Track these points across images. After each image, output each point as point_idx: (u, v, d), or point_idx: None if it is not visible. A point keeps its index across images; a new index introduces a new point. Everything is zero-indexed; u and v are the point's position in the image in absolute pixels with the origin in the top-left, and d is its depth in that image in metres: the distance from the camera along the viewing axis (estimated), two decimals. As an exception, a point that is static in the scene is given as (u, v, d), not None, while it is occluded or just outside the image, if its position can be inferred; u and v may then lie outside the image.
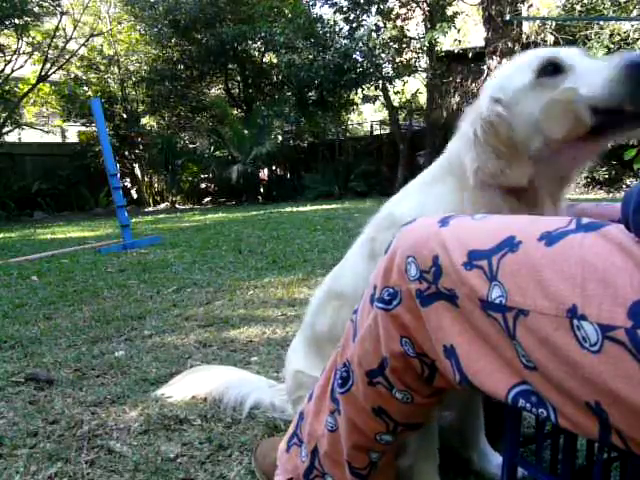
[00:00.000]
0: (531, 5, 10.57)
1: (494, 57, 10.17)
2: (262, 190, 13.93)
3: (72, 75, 13.71)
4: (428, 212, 0.97)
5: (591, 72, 0.88)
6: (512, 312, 0.63)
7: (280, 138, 13.85)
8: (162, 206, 13.77)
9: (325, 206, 9.41)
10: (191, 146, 14.97)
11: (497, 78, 1.00)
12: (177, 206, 13.71)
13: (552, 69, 0.90)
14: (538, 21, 9.70)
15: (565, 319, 0.59)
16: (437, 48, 11.56)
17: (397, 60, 11.80)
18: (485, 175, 0.94)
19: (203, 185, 15.03)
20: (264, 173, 14.35)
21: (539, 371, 0.62)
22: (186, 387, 1.66)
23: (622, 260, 0.57)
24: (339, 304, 1.17)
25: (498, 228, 0.71)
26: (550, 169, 0.95)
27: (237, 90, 15.11)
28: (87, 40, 13.42)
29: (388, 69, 12.03)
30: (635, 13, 8.69)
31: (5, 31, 11.74)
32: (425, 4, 11.41)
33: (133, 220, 7.19)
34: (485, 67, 10.36)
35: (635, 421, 0.55)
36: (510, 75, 0.96)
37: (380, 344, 0.81)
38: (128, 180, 14.47)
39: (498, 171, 0.93)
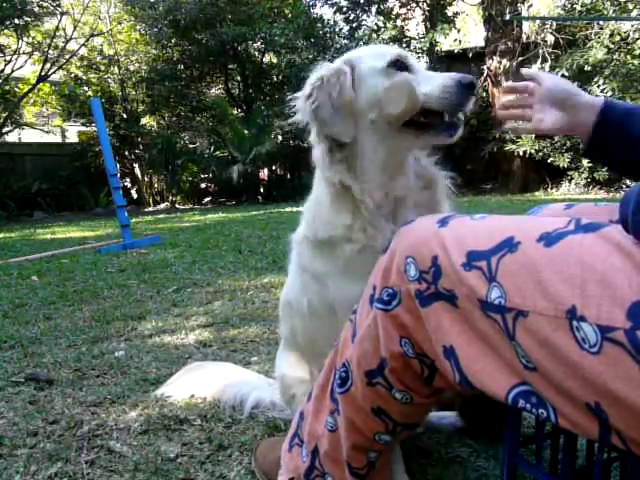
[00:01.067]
0: (531, 5, 10.57)
1: (494, 57, 10.18)
2: (262, 190, 13.92)
3: (72, 75, 13.70)
4: (306, 221, 1.14)
5: (430, 77, 1.04)
6: (511, 313, 0.63)
7: (280, 138, 13.85)
8: (162, 206, 13.76)
9: (325, 206, 9.38)
10: (191, 146, 14.96)
11: (349, 56, 1.14)
12: (177, 206, 13.70)
13: (400, 65, 1.07)
14: (538, 21, 9.70)
15: (564, 320, 0.59)
16: (437, 48, 11.55)
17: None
18: (321, 122, 1.07)
19: (203, 185, 15.03)
20: (264, 173, 14.35)
21: (539, 372, 0.62)
22: (186, 386, 1.66)
23: (621, 261, 0.57)
24: (291, 313, 1.25)
25: (497, 228, 0.71)
26: (380, 147, 1.06)
27: (237, 90, 15.11)
28: (87, 40, 13.42)
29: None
30: (635, 13, 8.68)
31: (5, 31, 11.73)
32: (425, 4, 11.41)
33: (133, 220, 7.19)
34: (485, 67, 10.37)
35: (635, 422, 0.55)
36: (366, 56, 1.11)
37: (379, 344, 0.81)
38: (128, 180, 14.46)
39: (332, 120, 1.05)
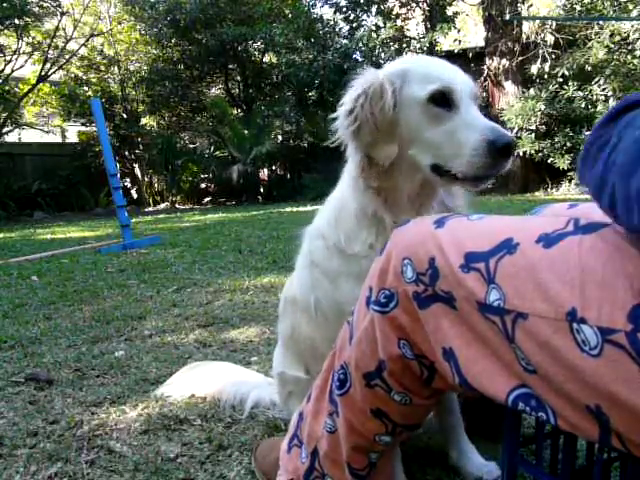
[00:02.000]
0: (531, 5, 10.56)
1: (494, 57, 10.18)
2: (262, 190, 13.92)
3: (72, 75, 13.71)
4: (332, 219, 1.11)
5: (466, 128, 0.95)
6: (511, 315, 0.63)
7: (280, 138, 13.85)
8: (162, 206, 13.76)
9: (325, 206, 9.39)
10: (191, 146, 14.96)
11: (405, 66, 1.05)
12: (177, 206, 13.70)
13: (442, 99, 0.98)
14: (538, 21, 9.69)
15: (564, 322, 0.58)
16: (437, 48, 11.55)
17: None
18: (361, 144, 1.02)
19: (203, 185, 15.03)
20: (264, 173, 14.35)
21: (539, 374, 0.62)
22: (186, 386, 1.66)
23: (621, 263, 0.57)
24: (293, 309, 1.25)
25: (495, 229, 0.71)
26: (416, 178, 1.03)
27: (237, 90, 15.10)
28: (87, 40, 13.43)
29: (388, 69, 12.01)
30: (635, 13, 8.68)
31: (5, 31, 11.73)
32: (425, 4, 11.40)
33: (133, 220, 7.18)
34: (485, 67, 10.37)
35: (636, 424, 0.55)
36: (414, 76, 1.02)
37: (377, 347, 0.81)
38: (128, 180, 14.47)
39: (371, 140, 1.00)
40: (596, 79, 8.74)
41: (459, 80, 1.01)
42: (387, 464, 0.97)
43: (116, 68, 14.00)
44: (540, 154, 9.34)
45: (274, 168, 14.47)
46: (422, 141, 0.99)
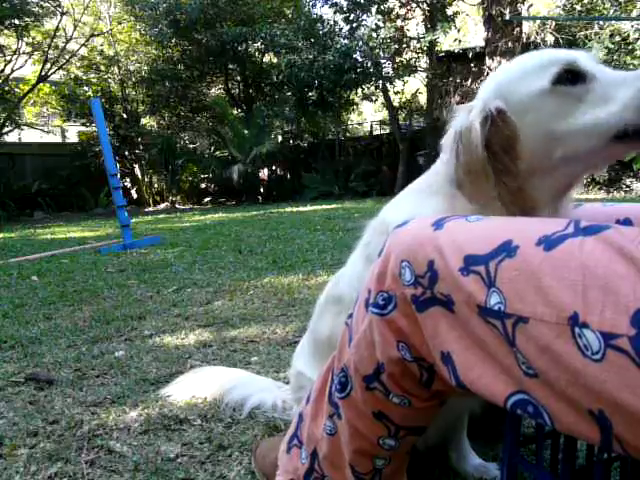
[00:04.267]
0: (531, 5, 10.57)
1: (494, 57, 10.18)
2: (262, 190, 13.93)
3: (72, 75, 13.72)
4: (399, 218, 0.92)
5: (617, 85, 0.82)
6: (511, 319, 0.62)
7: (280, 138, 13.87)
8: (162, 206, 13.77)
9: (325, 206, 9.41)
10: (191, 146, 14.98)
11: (496, 81, 0.92)
12: (177, 206, 13.71)
13: (571, 77, 0.84)
14: (538, 21, 9.70)
15: (566, 327, 0.58)
16: (437, 48, 11.55)
17: (397, 60, 11.80)
18: (459, 186, 0.91)
19: (203, 185, 15.04)
20: (264, 173, 14.35)
21: (540, 378, 0.61)
22: (190, 387, 1.66)
23: (624, 267, 0.56)
24: (337, 309, 1.16)
25: (494, 231, 0.70)
26: (556, 179, 0.90)
27: (237, 90, 15.12)
28: (87, 40, 13.44)
29: (388, 69, 12.03)
30: (635, 13, 8.68)
31: (5, 31, 11.74)
32: (425, 4, 11.41)
33: (133, 220, 7.19)
34: (485, 67, 10.37)
35: (638, 429, 0.55)
36: (515, 80, 0.89)
37: (375, 349, 0.80)
38: (128, 180, 14.48)
39: (462, 183, 0.90)
40: (596, 79, 8.73)
41: (574, 53, 0.88)
42: (395, 476, 0.96)
43: (116, 68, 14.02)
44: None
45: (274, 168, 14.49)
46: (569, 131, 0.84)
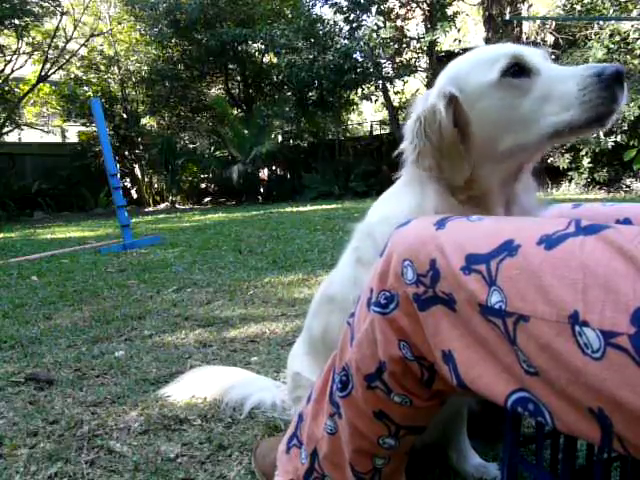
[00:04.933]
0: (531, 5, 10.57)
1: (494, 57, 10.17)
2: (262, 190, 13.93)
3: (72, 75, 13.72)
4: (393, 222, 0.93)
5: (558, 80, 0.85)
6: (512, 317, 0.63)
7: (280, 138, 13.86)
8: (162, 206, 13.77)
9: (325, 206, 9.42)
10: (191, 146, 14.98)
11: (452, 70, 0.96)
12: (177, 206, 13.71)
13: (517, 70, 0.87)
14: (538, 21, 9.70)
15: (566, 325, 0.58)
16: (437, 48, 11.55)
17: (397, 60, 11.81)
18: (423, 168, 0.94)
19: (203, 185, 15.04)
20: (264, 173, 14.36)
21: (540, 377, 0.62)
22: (190, 387, 1.66)
23: (623, 266, 0.57)
24: (330, 309, 1.18)
25: (495, 231, 0.70)
26: (503, 167, 0.93)
27: (237, 90, 15.12)
28: (87, 40, 13.44)
29: (388, 69, 12.03)
30: (635, 13, 8.69)
31: (5, 31, 11.74)
32: (425, 4, 11.41)
33: (133, 220, 7.19)
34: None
35: (638, 428, 0.55)
36: (469, 69, 0.92)
37: (377, 348, 0.80)
38: (128, 180, 14.48)
39: (435, 165, 0.92)
40: (596, 79, 8.73)
41: (522, 47, 0.91)
42: (394, 475, 0.96)
43: (116, 68, 14.02)
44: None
45: (274, 168, 14.49)
46: (515, 122, 0.87)
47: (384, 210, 1.06)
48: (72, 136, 15.52)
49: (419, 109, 0.95)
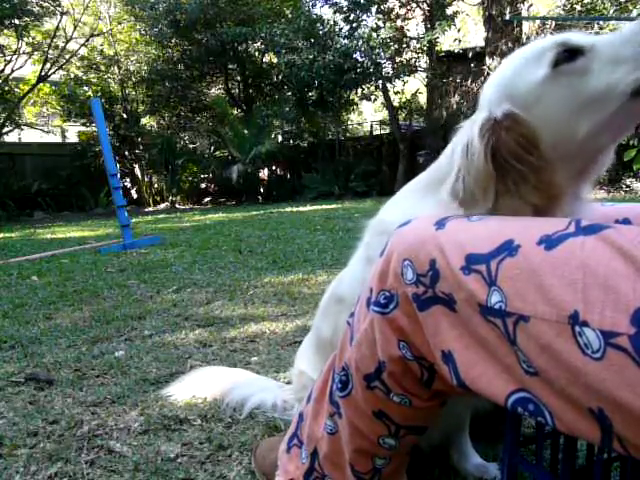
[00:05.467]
0: (531, 5, 10.57)
1: (494, 57, 10.19)
2: (262, 190, 13.94)
3: (72, 75, 13.72)
4: (396, 217, 0.90)
5: (617, 45, 0.79)
6: (512, 318, 0.63)
7: (280, 138, 13.87)
8: (162, 206, 13.77)
9: (325, 206, 9.42)
10: (191, 146, 14.98)
11: (497, 80, 0.88)
12: (177, 206, 13.71)
13: (568, 55, 0.80)
14: (538, 21, 9.70)
15: (567, 325, 0.58)
16: (437, 48, 11.56)
17: (397, 60, 11.81)
18: (458, 201, 0.83)
19: (203, 185, 15.04)
20: (264, 173, 14.36)
21: (540, 377, 0.62)
22: (190, 387, 1.66)
23: (624, 266, 0.57)
24: (339, 309, 1.16)
25: (495, 231, 0.70)
26: (583, 157, 0.84)
27: (237, 90, 15.12)
28: (87, 40, 13.44)
29: (388, 69, 12.04)
30: (635, 13, 8.68)
31: (5, 31, 11.74)
32: (425, 4, 11.41)
33: (133, 220, 7.19)
34: (485, 67, 10.38)
35: (638, 428, 0.55)
36: (513, 77, 0.85)
37: (376, 348, 0.80)
38: (128, 180, 14.48)
39: (472, 198, 0.81)
40: (596, 79, 8.73)
41: (564, 34, 0.84)
42: (395, 475, 0.96)
43: (116, 68, 14.02)
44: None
45: (274, 168, 14.49)
46: (588, 100, 0.79)
47: (408, 210, 0.98)
48: (72, 136, 15.52)
49: (463, 137, 0.85)
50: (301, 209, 9.11)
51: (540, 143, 0.81)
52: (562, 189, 0.84)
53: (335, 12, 11.82)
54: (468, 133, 0.84)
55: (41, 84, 13.02)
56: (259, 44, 13.23)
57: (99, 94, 12.97)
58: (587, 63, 0.80)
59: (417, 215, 0.88)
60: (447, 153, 0.96)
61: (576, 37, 0.82)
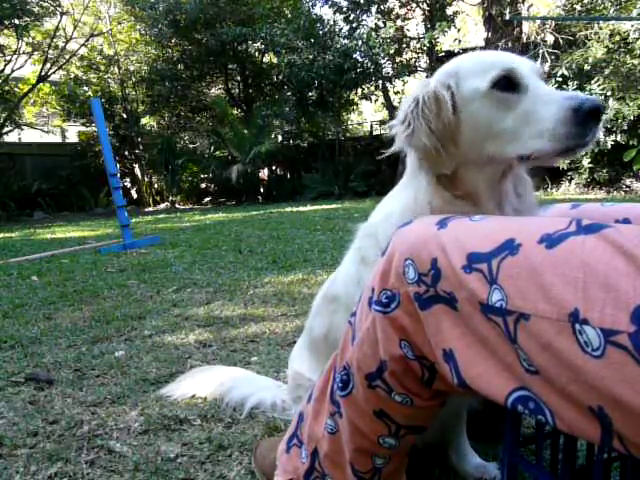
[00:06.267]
0: (531, 5, 10.57)
1: (494, 57, 10.17)
2: (262, 190, 13.93)
3: (72, 75, 13.72)
4: (393, 220, 0.98)
5: (540, 104, 0.87)
6: (513, 316, 0.63)
7: (280, 138, 13.87)
8: (162, 206, 13.78)
9: (325, 206, 9.42)
10: (191, 146, 14.98)
11: (452, 68, 0.97)
12: (177, 206, 13.71)
13: (506, 83, 0.89)
14: (538, 21, 9.70)
15: (567, 323, 0.58)
16: (437, 48, 11.55)
17: (397, 60, 11.81)
18: (416, 149, 0.95)
19: (203, 185, 15.04)
20: (264, 173, 14.36)
21: (541, 375, 0.62)
22: (190, 387, 1.66)
23: (624, 264, 0.57)
24: (333, 308, 1.18)
25: (497, 230, 0.71)
26: (487, 171, 0.95)
27: (237, 90, 15.12)
28: (87, 40, 13.44)
29: (388, 69, 12.04)
30: (635, 13, 8.68)
31: (5, 31, 11.74)
32: (425, 4, 11.41)
33: (133, 220, 7.19)
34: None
35: (638, 426, 0.55)
36: (466, 72, 0.94)
37: (378, 347, 0.81)
38: (128, 180, 14.49)
39: (429, 147, 0.92)
40: (595, 79, 8.74)
41: (517, 60, 0.93)
42: (394, 476, 0.96)
43: (116, 68, 14.02)
44: (540, 154, 9.33)
45: (274, 168, 14.49)
46: (496, 134, 0.90)
47: (385, 209, 1.07)
48: (72, 136, 15.53)
49: (417, 92, 0.96)
50: (301, 209, 9.11)
51: (457, 136, 0.93)
52: (471, 189, 0.95)
53: (335, 12, 11.82)
54: (425, 89, 0.95)
55: (41, 84, 13.02)
56: (259, 44, 13.22)
57: (99, 94, 12.97)
58: (514, 102, 0.89)
59: (395, 210, 1.01)
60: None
61: (523, 70, 0.91)
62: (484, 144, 0.92)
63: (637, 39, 8.53)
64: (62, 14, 12.36)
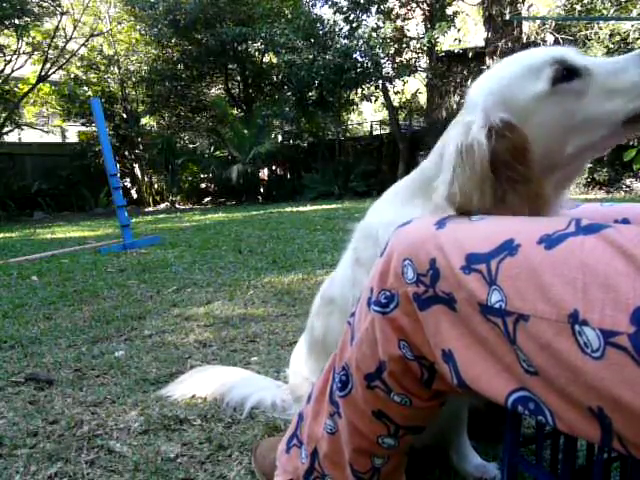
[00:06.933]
0: (531, 5, 10.58)
1: (494, 57, 10.19)
2: (262, 190, 13.94)
3: (72, 75, 13.73)
4: (381, 220, 0.95)
5: (615, 73, 0.81)
6: (512, 317, 0.63)
7: (280, 138, 13.88)
8: (162, 206, 13.78)
9: (325, 206, 9.42)
10: (191, 146, 15.00)
11: (492, 86, 0.88)
12: (177, 206, 13.71)
13: (567, 73, 0.82)
14: (538, 21, 9.70)
15: (566, 324, 0.58)
16: (437, 48, 11.56)
17: (397, 60, 11.81)
18: (454, 204, 0.82)
19: (203, 185, 15.05)
20: (264, 173, 14.37)
21: (540, 376, 0.62)
22: (190, 387, 1.66)
23: (624, 265, 0.57)
24: (330, 310, 1.18)
25: (496, 230, 0.70)
26: (566, 172, 0.88)
27: (237, 90, 15.12)
28: (87, 40, 13.44)
29: (388, 69, 12.04)
30: (635, 13, 8.68)
31: (5, 31, 11.74)
32: (425, 4, 11.41)
33: (133, 220, 7.19)
34: (485, 67, 10.38)
35: (638, 427, 0.55)
36: (511, 83, 0.85)
37: (377, 348, 0.81)
38: (128, 180, 14.49)
39: (470, 200, 0.81)
40: (596, 79, 8.74)
41: (558, 50, 0.86)
42: (393, 475, 0.96)
43: (116, 68, 14.03)
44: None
45: (274, 168, 14.50)
46: (581, 122, 0.82)
47: (389, 214, 1.01)
48: (72, 136, 15.53)
49: (458, 139, 0.84)
50: (301, 209, 9.11)
51: (530, 154, 0.82)
52: (547, 199, 0.86)
53: (335, 12, 11.83)
54: (462, 135, 0.84)
55: (41, 84, 13.02)
56: (259, 44, 13.23)
57: (99, 94, 12.97)
58: (583, 86, 0.83)
59: (400, 219, 0.88)
60: (433, 157, 0.98)
61: (572, 56, 0.85)
62: (568, 141, 0.83)
63: (637, 39, 8.53)
64: (62, 14, 12.37)
